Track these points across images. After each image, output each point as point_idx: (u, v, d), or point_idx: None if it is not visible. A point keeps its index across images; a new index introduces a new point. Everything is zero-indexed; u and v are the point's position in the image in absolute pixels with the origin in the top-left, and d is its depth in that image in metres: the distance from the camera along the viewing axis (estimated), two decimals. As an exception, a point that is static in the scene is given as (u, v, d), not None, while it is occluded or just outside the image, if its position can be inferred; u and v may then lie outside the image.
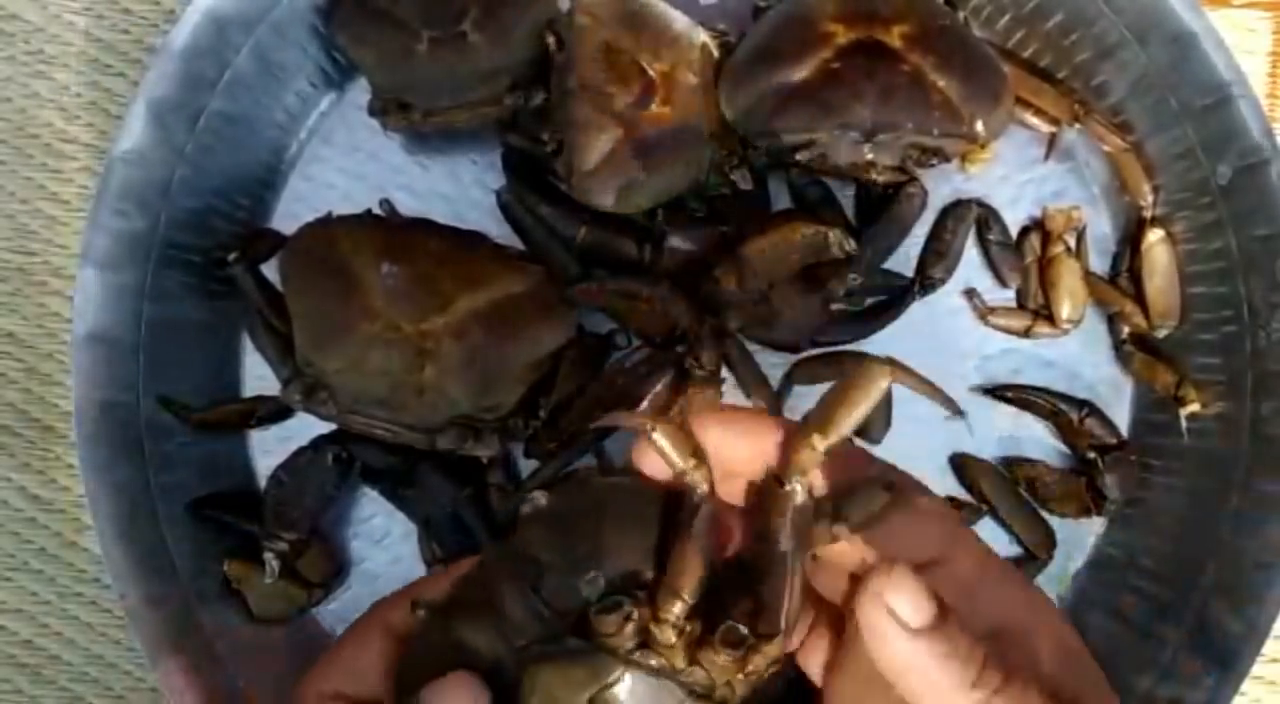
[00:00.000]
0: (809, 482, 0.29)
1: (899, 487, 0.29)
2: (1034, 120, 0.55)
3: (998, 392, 0.56)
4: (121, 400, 0.50)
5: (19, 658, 0.58)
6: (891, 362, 0.29)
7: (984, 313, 0.56)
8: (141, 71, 0.59)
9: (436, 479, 0.52)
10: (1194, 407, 0.52)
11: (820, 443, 0.28)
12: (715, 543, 0.30)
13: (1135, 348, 0.56)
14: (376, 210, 0.53)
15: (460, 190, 0.57)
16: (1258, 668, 0.47)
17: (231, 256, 0.52)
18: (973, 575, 0.29)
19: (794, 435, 0.29)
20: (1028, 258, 0.56)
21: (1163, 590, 0.52)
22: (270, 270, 0.52)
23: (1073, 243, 0.56)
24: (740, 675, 0.29)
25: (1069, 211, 0.56)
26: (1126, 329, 0.56)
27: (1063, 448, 0.57)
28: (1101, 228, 0.57)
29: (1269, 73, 0.61)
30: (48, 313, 0.59)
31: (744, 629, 0.28)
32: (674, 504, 0.31)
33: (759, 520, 0.30)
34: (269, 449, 0.56)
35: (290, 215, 0.56)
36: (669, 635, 0.28)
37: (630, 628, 0.28)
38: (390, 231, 0.51)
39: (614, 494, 0.32)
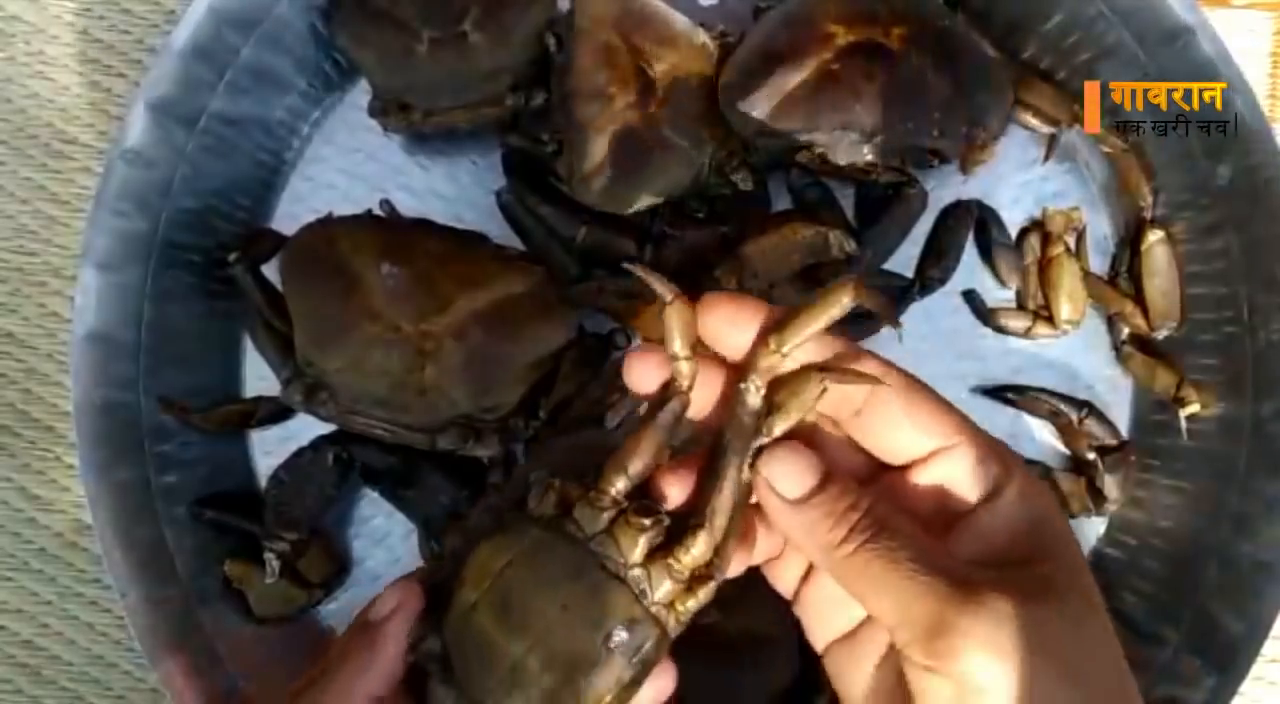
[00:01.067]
0: (764, 384, 0.31)
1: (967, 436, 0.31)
2: (1034, 120, 0.55)
3: (998, 392, 0.56)
4: (121, 400, 0.50)
5: (19, 658, 0.58)
6: (858, 281, 0.31)
7: (984, 313, 0.56)
8: (141, 71, 0.59)
9: (437, 479, 0.52)
10: (1194, 407, 0.52)
11: (775, 342, 0.30)
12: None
13: (1135, 349, 0.56)
14: (376, 210, 0.53)
15: (460, 190, 0.57)
16: (1258, 668, 0.48)
17: (232, 257, 0.52)
18: (1020, 503, 0.32)
19: (757, 340, 0.31)
20: (1028, 258, 0.56)
21: (1163, 590, 0.52)
22: (270, 270, 0.52)
23: (1073, 243, 0.56)
24: (667, 573, 0.31)
25: (1069, 212, 0.56)
26: (1126, 330, 0.56)
27: (1063, 448, 0.57)
28: (1101, 228, 0.57)
29: (1269, 73, 0.61)
30: (48, 313, 0.59)
31: (658, 505, 0.31)
32: None
33: (719, 419, 0.32)
34: (270, 449, 0.56)
35: (290, 215, 0.56)
36: (604, 502, 0.31)
37: (551, 497, 0.32)
38: (390, 232, 0.51)
39: (579, 439, 0.37)
